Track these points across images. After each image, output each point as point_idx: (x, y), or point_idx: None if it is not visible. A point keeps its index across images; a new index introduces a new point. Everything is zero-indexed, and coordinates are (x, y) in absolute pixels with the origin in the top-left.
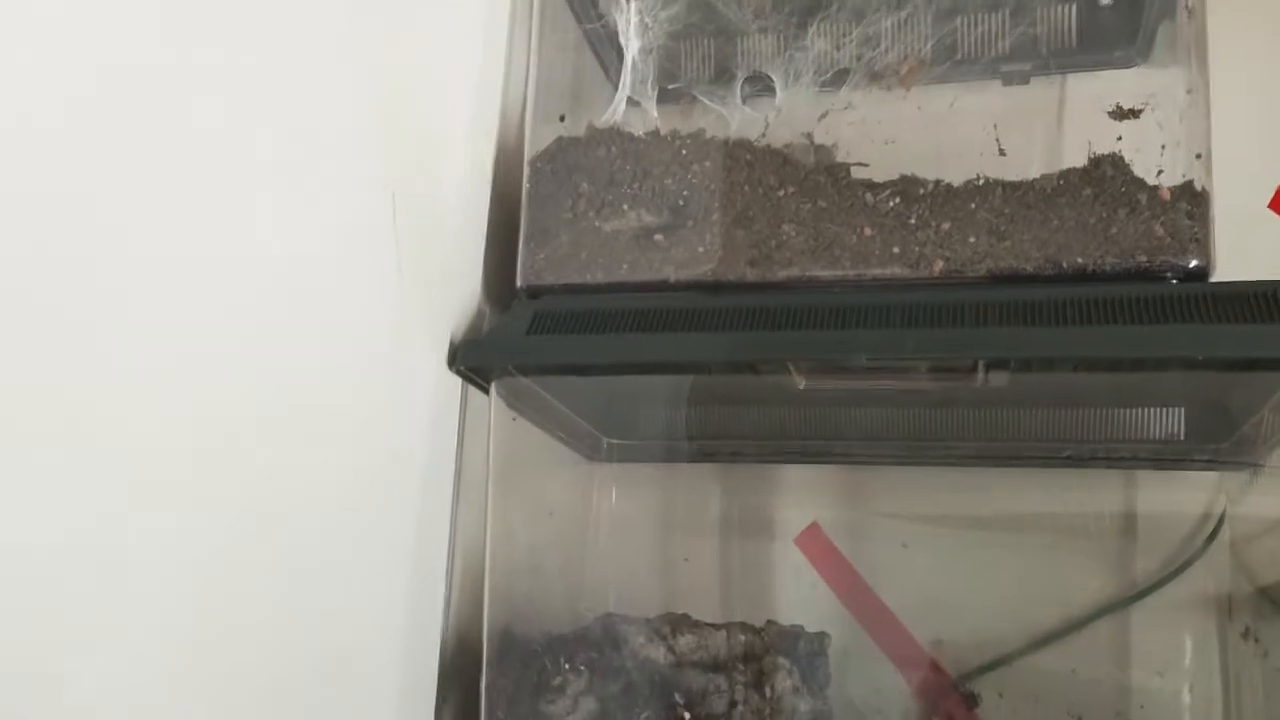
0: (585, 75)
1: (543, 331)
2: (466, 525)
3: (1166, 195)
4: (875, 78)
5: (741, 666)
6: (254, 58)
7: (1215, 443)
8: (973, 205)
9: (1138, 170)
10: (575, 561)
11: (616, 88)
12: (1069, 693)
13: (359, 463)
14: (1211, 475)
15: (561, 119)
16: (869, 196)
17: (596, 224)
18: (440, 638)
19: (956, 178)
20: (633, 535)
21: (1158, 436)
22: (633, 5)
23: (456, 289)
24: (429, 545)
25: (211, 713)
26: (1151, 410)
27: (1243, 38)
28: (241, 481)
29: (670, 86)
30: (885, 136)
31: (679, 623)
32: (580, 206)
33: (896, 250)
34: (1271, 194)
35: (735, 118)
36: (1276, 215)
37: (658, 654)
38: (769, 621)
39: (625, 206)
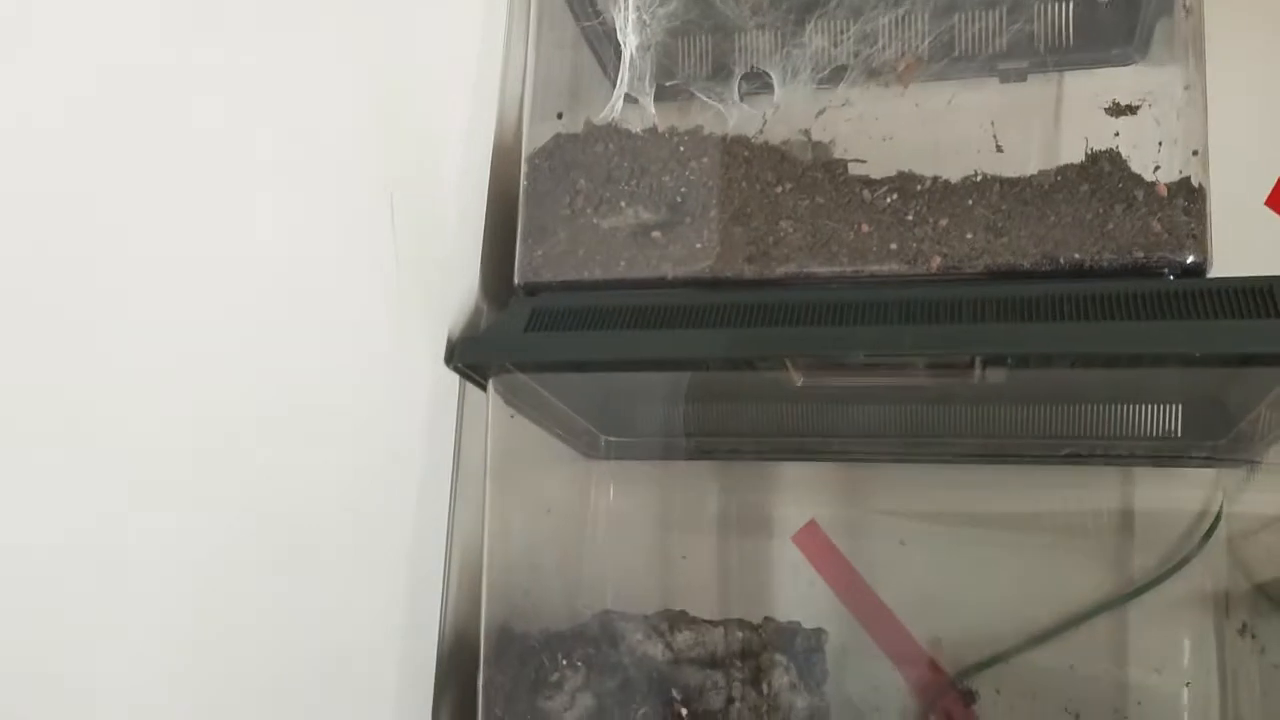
0: (583, 72)
1: (540, 328)
2: (464, 522)
3: (1163, 191)
4: (873, 75)
5: (739, 663)
6: (254, 58)
7: (1212, 439)
8: (970, 202)
9: (1135, 167)
10: (573, 558)
11: (614, 85)
12: (1066, 690)
13: (358, 462)
14: (1208, 472)
15: (559, 116)
16: (866, 193)
17: (594, 221)
18: (438, 634)
19: (954, 174)
20: (630, 532)
21: (1155, 433)
22: (630, 2)
23: (454, 286)
24: (427, 542)
25: (211, 712)
26: (1148, 407)
27: (1240, 35)
28: (241, 481)
29: (668, 83)
30: (883, 133)
31: (677, 619)
32: (578, 203)
33: (894, 246)
34: (1268, 190)
35: (733, 114)
36: (1273, 211)
37: (655, 651)
38: (766, 618)
39: (623, 203)
